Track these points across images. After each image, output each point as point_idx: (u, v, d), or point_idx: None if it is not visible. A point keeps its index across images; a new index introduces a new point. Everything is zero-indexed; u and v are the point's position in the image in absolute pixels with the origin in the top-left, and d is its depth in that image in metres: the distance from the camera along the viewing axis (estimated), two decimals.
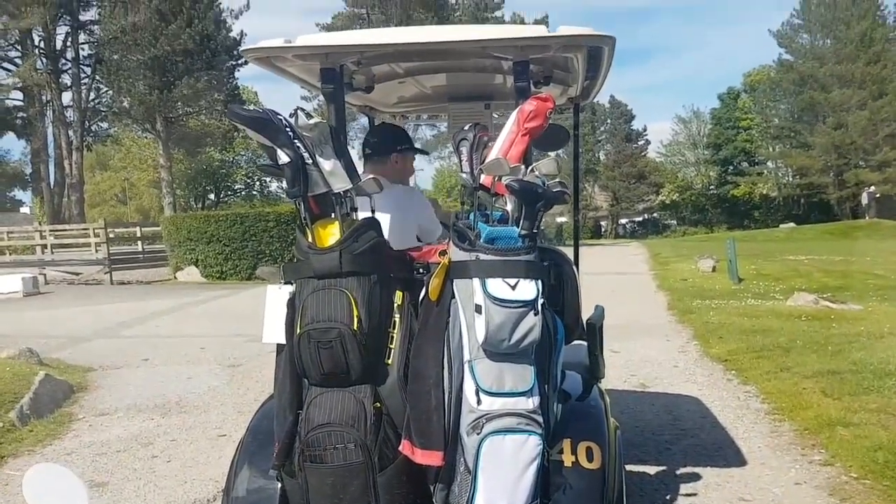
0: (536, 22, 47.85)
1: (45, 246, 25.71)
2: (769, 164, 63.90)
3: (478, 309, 2.28)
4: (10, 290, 17.71)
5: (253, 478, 2.68)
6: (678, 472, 4.34)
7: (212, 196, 60.49)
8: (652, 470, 4.40)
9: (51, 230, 28.05)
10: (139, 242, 26.86)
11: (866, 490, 3.93)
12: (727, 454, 4.64)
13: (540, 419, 2.32)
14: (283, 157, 2.38)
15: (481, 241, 2.35)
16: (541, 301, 2.29)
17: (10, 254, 27.36)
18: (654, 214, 69.61)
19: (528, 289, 2.27)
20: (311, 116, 2.47)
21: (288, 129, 2.39)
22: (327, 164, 2.43)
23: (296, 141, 2.39)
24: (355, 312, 2.34)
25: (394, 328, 2.45)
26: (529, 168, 2.45)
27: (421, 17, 42.91)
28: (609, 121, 67.52)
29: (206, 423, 5.70)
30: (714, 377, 6.73)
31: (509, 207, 2.44)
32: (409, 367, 2.42)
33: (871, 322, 8.98)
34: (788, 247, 28.86)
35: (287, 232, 21.12)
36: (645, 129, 68.53)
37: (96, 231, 23.78)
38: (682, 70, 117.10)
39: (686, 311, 10.76)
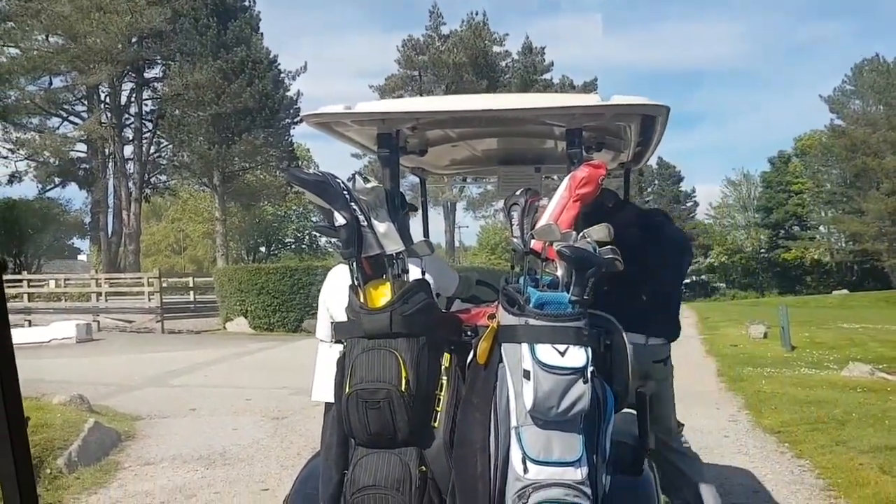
0: (585, 84, 48.43)
1: (99, 293, 26.38)
2: (821, 228, 62.83)
3: (526, 374, 2.25)
4: (64, 336, 18.15)
5: None
6: None
7: (263, 249, 61.57)
8: None
9: (106, 278, 28.79)
10: (191, 293, 27.41)
11: None
12: None
13: (588, 491, 2.25)
14: (340, 219, 2.45)
15: (531, 305, 2.33)
16: (590, 369, 2.25)
17: (67, 300, 28.11)
18: (703, 277, 68.58)
19: (577, 356, 2.24)
20: (369, 180, 2.55)
21: (345, 192, 2.47)
22: (381, 227, 2.49)
23: (352, 204, 2.46)
24: (404, 374, 2.35)
25: (441, 391, 2.45)
26: (581, 234, 2.45)
27: (472, 80, 43.71)
28: (657, 182, 67.33)
29: (249, 476, 5.72)
30: (766, 449, 6.53)
31: (560, 273, 2.40)
32: (455, 431, 2.41)
33: None
34: (842, 314, 28.10)
35: None
36: (693, 191, 68.23)
37: (150, 280, 24.33)
38: (731, 133, 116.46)
39: (736, 379, 10.50)
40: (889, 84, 53.30)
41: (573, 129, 2.93)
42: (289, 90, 43.01)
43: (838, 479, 5.44)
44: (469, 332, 2.62)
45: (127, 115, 42.95)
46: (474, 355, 2.46)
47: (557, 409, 2.22)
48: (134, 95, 42.76)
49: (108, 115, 42.01)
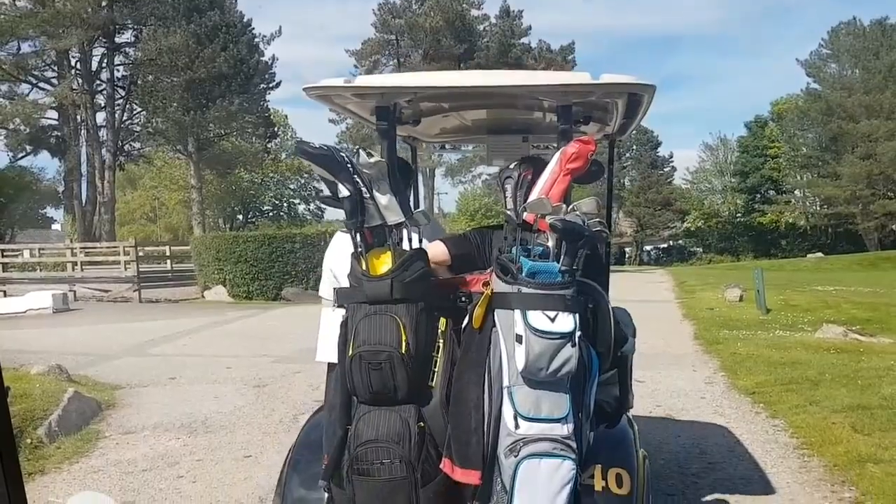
0: (563, 48, 48.20)
1: (75, 263, 26.09)
2: (797, 192, 63.36)
3: (518, 339, 2.42)
4: (40, 307, 17.97)
5: (302, 488, 2.89)
6: None
7: (240, 217, 61.10)
8: (679, 503, 4.35)
9: (81, 247, 28.45)
10: (168, 261, 27.21)
11: None
12: (755, 489, 4.59)
13: (574, 445, 2.44)
14: (344, 191, 2.58)
15: (523, 274, 2.46)
16: (578, 333, 2.42)
17: (41, 270, 27.80)
18: (679, 241, 69.13)
19: (566, 322, 2.40)
20: (372, 155, 2.66)
21: (349, 166, 2.59)
22: (383, 199, 2.62)
23: (355, 176, 2.58)
24: (403, 337, 2.52)
25: (437, 353, 2.62)
26: (570, 207, 2.60)
27: (449, 44, 43.30)
28: (635, 147, 67.40)
29: (231, 443, 5.74)
30: (742, 410, 6.66)
31: (550, 244, 2.54)
32: (450, 389, 2.59)
33: None
34: (816, 277, 28.51)
35: (313, 253, 21.28)
36: (671, 156, 68.41)
37: (126, 249, 24.08)
38: (709, 98, 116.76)
39: (713, 342, 10.66)
40: (865, 48, 53.54)
41: (564, 106, 3.06)
42: (263, 55, 42.41)
43: (811, 437, 5.56)
44: (464, 299, 2.78)
45: (98, 82, 42.11)
46: (469, 320, 2.61)
47: (547, 370, 2.39)
48: (105, 61, 41.85)
49: (80, 81, 41.16)
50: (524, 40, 49.56)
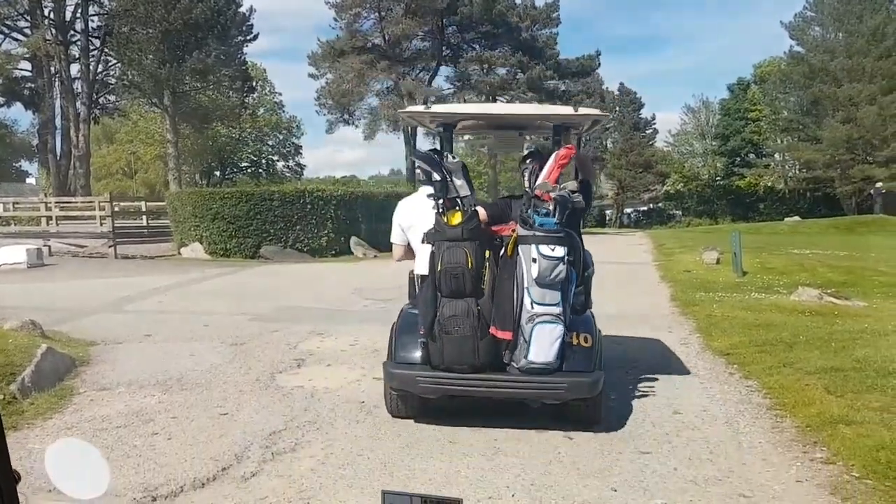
0: (547, 6, 47.80)
1: (50, 218, 25.69)
2: (776, 156, 63.59)
3: (533, 260, 4.53)
4: (14, 261, 17.70)
5: (408, 342, 4.87)
6: (678, 466, 4.33)
7: (217, 173, 60.32)
8: (652, 461, 4.39)
9: (56, 202, 27.99)
10: (144, 217, 26.87)
11: (868, 490, 3.91)
12: (728, 449, 4.64)
13: (563, 318, 4.60)
14: (437, 176, 4.67)
15: (536, 225, 4.59)
16: (567, 258, 4.56)
17: (16, 224, 27.36)
18: (660, 204, 69.37)
19: (560, 251, 4.54)
20: (455, 157, 4.81)
21: (441, 163, 4.74)
22: (458, 182, 4.73)
23: (443, 170, 4.71)
24: (469, 260, 4.57)
25: (485, 269, 4.64)
26: (561, 186, 4.70)
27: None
28: (618, 109, 67.15)
29: (207, 400, 5.70)
30: (716, 370, 6.72)
31: (550, 208, 4.62)
32: (494, 289, 4.63)
33: (876, 319, 8.95)
34: (793, 240, 28.77)
35: (291, 212, 21.12)
36: (653, 118, 68.21)
37: (101, 204, 23.72)
38: (693, 59, 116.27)
39: (689, 304, 10.72)
40: (849, 11, 53.28)
41: (557, 126, 5.66)
42: (241, 6, 41.40)
43: (785, 399, 5.61)
44: (498, 239, 4.78)
45: (73, 32, 41.02)
46: (504, 250, 4.69)
47: (549, 277, 4.53)
48: (80, 11, 40.75)
49: (53, 31, 40.07)
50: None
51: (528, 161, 4.94)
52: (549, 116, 5.71)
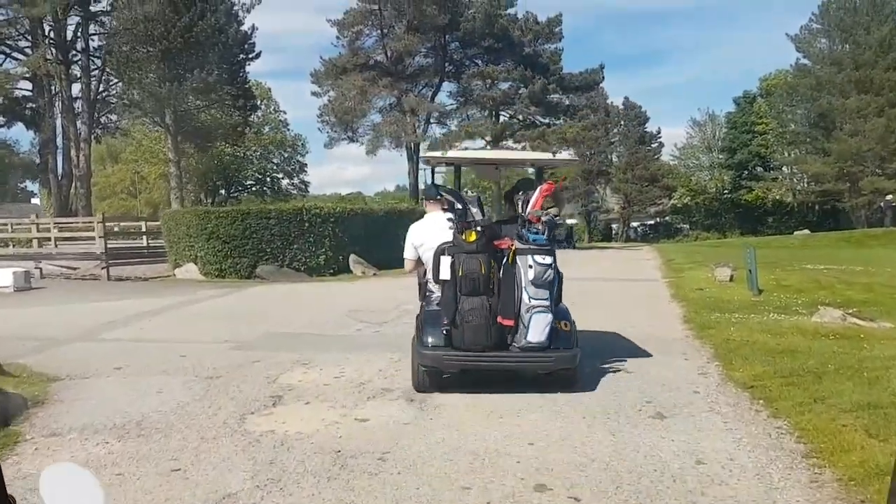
0: (549, 21, 47.54)
1: (47, 239, 25.06)
2: (784, 169, 62.95)
3: (529, 267, 6.03)
4: (1, 285, 17.13)
5: (433, 330, 6.19)
6: None
7: (223, 191, 59.91)
8: None
9: (54, 223, 27.40)
10: (144, 237, 26.28)
11: None
12: None
13: (552, 309, 6.15)
14: (458, 206, 6.26)
15: (530, 241, 6.11)
16: (554, 265, 6.13)
17: (14, 246, 26.73)
18: (666, 218, 68.66)
19: (549, 260, 6.09)
20: (471, 193, 7.90)
21: (460, 196, 6.46)
22: (473, 210, 6.29)
23: (463, 200, 6.40)
24: (482, 267, 6.02)
25: (493, 275, 6.08)
26: (545, 211, 6.25)
27: (433, 14, 42.18)
28: (623, 123, 66.58)
29: (163, 451, 5.00)
30: (740, 407, 5.98)
31: (540, 228, 6.14)
32: (501, 288, 6.07)
33: None
34: (805, 255, 28.03)
35: (288, 230, 20.51)
36: (659, 132, 67.69)
37: (94, 225, 23.15)
38: (698, 73, 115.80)
39: (704, 326, 9.99)
40: (856, 23, 52.78)
41: (540, 168, 7.68)
42: (242, 24, 41.11)
43: (821, 443, 4.89)
44: (500, 252, 6.15)
45: (73, 52, 40.74)
46: (507, 260, 6.09)
47: (542, 279, 6.04)
48: (80, 30, 40.47)
49: (54, 50, 39.79)
50: (511, 11, 48.43)
51: (520, 192, 6.53)
52: (535, 160, 8.04)
